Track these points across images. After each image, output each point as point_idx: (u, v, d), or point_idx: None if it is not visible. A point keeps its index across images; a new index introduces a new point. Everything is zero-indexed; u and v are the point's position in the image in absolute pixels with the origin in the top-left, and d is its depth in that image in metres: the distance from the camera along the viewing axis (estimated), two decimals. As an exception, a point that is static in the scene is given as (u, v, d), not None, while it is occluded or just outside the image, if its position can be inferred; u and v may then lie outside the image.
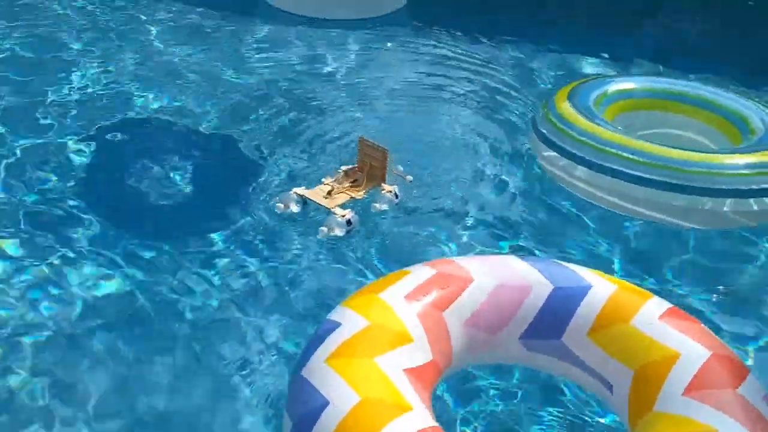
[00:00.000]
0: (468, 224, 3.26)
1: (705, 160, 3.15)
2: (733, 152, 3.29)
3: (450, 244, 3.10)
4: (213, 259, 2.93)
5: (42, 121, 3.89)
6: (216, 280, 2.82)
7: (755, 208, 3.14)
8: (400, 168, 3.37)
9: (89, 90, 4.27)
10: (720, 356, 1.85)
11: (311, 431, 1.63)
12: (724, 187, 3.10)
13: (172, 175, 3.52)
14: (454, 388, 2.33)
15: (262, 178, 3.51)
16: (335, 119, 4.13)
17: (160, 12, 5.48)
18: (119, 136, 3.84)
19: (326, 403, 1.64)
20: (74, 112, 4.01)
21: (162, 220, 3.21)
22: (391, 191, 3.22)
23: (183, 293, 2.74)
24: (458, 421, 2.25)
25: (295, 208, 3.17)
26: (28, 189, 3.29)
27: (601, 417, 2.27)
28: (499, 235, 3.21)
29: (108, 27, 5.16)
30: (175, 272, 2.83)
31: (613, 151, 3.23)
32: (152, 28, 5.20)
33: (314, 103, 4.31)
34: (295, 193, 3.19)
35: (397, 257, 2.96)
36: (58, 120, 3.90)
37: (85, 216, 3.13)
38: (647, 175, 3.15)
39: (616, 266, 3.03)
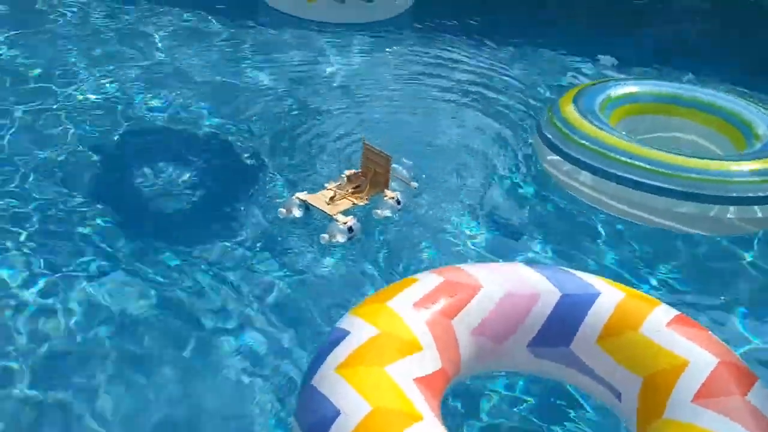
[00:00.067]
0: (473, 230, 3.29)
1: (710, 168, 3.18)
2: (738, 159, 3.31)
3: (454, 251, 3.13)
4: (215, 265, 2.97)
5: (49, 129, 3.93)
6: (218, 285, 2.85)
7: (759, 215, 3.18)
8: (405, 173, 3.40)
9: (93, 96, 4.29)
10: (728, 363, 1.89)
11: (322, 440, 1.66)
12: (729, 194, 3.13)
13: (174, 180, 3.55)
14: (460, 395, 2.37)
15: (265, 183, 3.55)
16: (338, 123, 4.17)
17: (161, 17, 5.53)
18: (121, 141, 3.87)
19: (337, 413, 1.66)
20: (80, 118, 4.05)
21: (164, 226, 3.23)
22: (393, 198, 3.24)
23: (184, 298, 2.77)
24: (464, 428, 2.28)
25: (297, 213, 3.19)
26: (39, 195, 3.32)
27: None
28: (505, 240, 3.26)
29: (109, 33, 5.20)
30: (175, 277, 2.87)
31: (617, 156, 3.26)
32: (154, 33, 5.24)
33: (317, 106, 4.35)
34: (298, 198, 3.21)
35: (400, 264, 3.00)
36: (65, 127, 3.94)
37: (86, 223, 3.16)
38: (651, 182, 3.19)
39: (623, 272, 3.06)
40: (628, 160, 3.23)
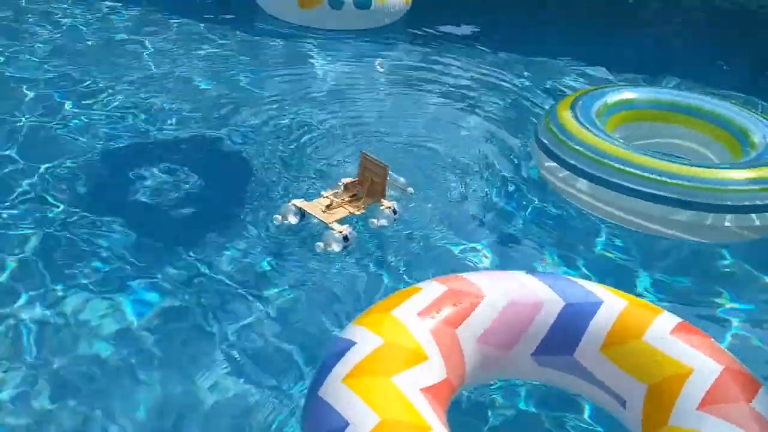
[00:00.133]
0: (472, 237, 3.32)
1: (705, 176, 3.21)
2: (733, 167, 3.34)
3: (453, 259, 3.16)
4: (209, 270, 2.98)
5: (57, 134, 3.96)
6: (214, 289, 2.87)
7: (757, 222, 3.23)
8: (402, 180, 3.43)
9: (97, 104, 4.33)
10: (732, 371, 1.94)
11: (330, 452, 1.68)
12: (724, 202, 3.17)
13: (170, 187, 3.57)
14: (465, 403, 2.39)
15: (261, 190, 3.57)
16: (335, 130, 4.20)
17: (156, 24, 5.56)
18: (116, 150, 3.89)
19: (346, 425, 1.68)
20: (85, 122, 4.09)
21: (160, 232, 3.24)
22: (390, 207, 3.25)
23: (182, 303, 2.79)
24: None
25: (293, 219, 3.21)
26: (45, 209, 3.33)
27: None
28: (504, 247, 3.28)
29: (105, 41, 5.24)
30: (173, 281, 2.89)
31: (613, 163, 3.30)
32: (149, 42, 5.27)
33: (314, 113, 4.39)
34: (294, 205, 3.23)
35: (398, 273, 3.02)
36: (71, 135, 3.97)
37: (87, 230, 3.18)
38: (647, 189, 3.22)
39: (623, 280, 3.10)
40: (624, 167, 3.27)
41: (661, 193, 3.20)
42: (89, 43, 5.20)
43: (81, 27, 5.50)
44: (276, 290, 2.89)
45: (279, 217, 3.20)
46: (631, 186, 3.25)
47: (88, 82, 4.56)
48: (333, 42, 5.45)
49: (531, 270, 2.90)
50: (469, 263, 3.12)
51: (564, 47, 5.41)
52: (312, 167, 3.78)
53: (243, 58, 5.16)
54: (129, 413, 2.30)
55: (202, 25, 5.61)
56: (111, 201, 3.44)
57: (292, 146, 3.98)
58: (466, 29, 5.75)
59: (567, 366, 2.11)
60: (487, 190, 3.70)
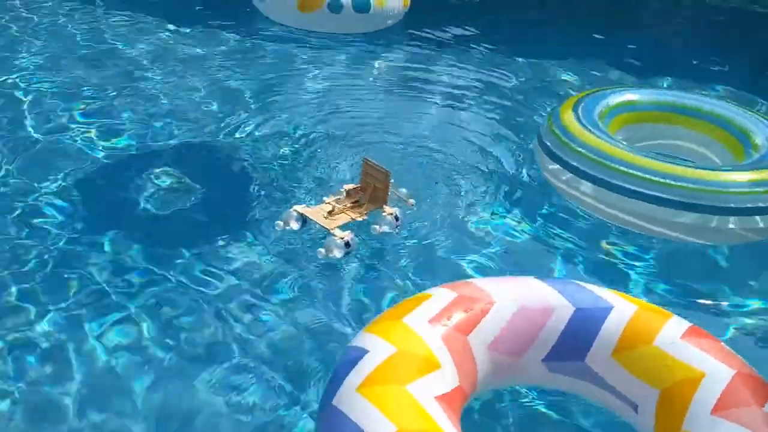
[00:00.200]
0: (477, 241, 3.35)
1: (709, 178, 3.24)
2: (736, 169, 3.37)
3: (461, 263, 3.18)
4: (210, 276, 3.00)
5: (75, 136, 3.99)
6: (213, 294, 2.89)
7: (761, 225, 3.26)
8: (404, 191, 3.43)
9: (92, 112, 4.34)
10: (744, 375, 1.96)
11: (348, 463, 1.69)
12: (727, 204, 3.20)
13: (169, 193, 3.59)
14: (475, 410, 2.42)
15: (263, 195, 3.58)
16: (335, 135, 4.22)
17: (153, 28, 5.58)
18: (114, 155, 3.90)
19: (362, 435, 1.69)
20: (82, 131, 4.09)
21: (159, 238, 3.25)
22: (392, 214, 3.26)
23: (179, 311, 2.80)
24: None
25: (294, 225, 3.21)
26: (46, 216, 3.34)
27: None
28: (508, 253, 3.30)
29: (104, 47, 5.26)
30: (169, 290, 2.90)
31: (617, 166, 3.32)
32: (146, 47, 5.28)
33: (315, 117, 4.41)
34: (296, 210, 3.24)
35: (402, 279, 3.04)
36: (67, 145, 3.97)
37: (86, 236, 3.19)
38: (650, 192, 3.25)
39: (633, 283, 3.14)
40: (628, 170, 3.30)
41: (665, 196, 3.23)
42: (84, 51, 5.21)
43: (75, 33, 5.51)
44: (279, 297, 2.90)
45: (281, 223, 3.21)
46: (634, 188, 3.28)
47: (83, 91, 4.57)
48: (332, 45, 5.48)
49: (539, 275, 2.93)
50: (476, 269, 3.14)
51: (564, 47, 5.45)
52: (313, 173, 3.80)
53: (241, 62, 5.18)
54: (136, 419, 2.32)
55: (200, 30, 5.64)
56: (111, 208, 3.46)
57: (292, 152, 4.00)
58: (465, 30, 5.78)
59: (578, 371, 2.14)
60: (490, 193, 3.73)
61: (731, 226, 3.24)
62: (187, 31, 5.58)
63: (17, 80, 4.65)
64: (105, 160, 3.83)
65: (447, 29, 5.81)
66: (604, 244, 3.38)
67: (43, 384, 2.44)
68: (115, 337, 2.65)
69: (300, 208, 3.26)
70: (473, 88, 4.88)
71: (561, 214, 3.56)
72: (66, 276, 2.93)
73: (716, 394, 1.89)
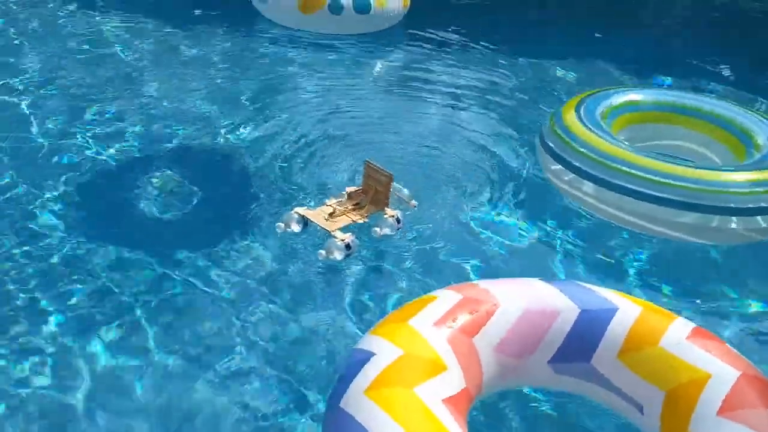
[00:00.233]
0: (480, 243, 3.36)
1: (711, 178, 3.25)
2: (738, 170, 3.38)
3: (463, 265, 3.19)
4: (211, 276, 3.01)
5: (76, 140, 3.99)
6: (213, 297, 2.90)
7: (763, 225, 3.27)
8: (406, 192, 3.43)
9: (100, 112, 4.35)
10: (749, 376, 1.98)
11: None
12: (728, 204, 3.21)
13: (171, 195, 3.59)
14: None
15: (264, 197, 3.59)
16: (337, 137, 4.23)
17: (150, 30, 5.58)
18: (112, 159, 3.90)
19: (371, 438, 1.70)
20: (89, 130, 4.10)
21: (160, 241, 3.26)
22: (393, 216, 3.26)
23: (181, 313, 2.81)
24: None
25: (296, 227, 3.22)
26: (46, 225, 3.32)
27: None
28: (515, 253, 3.31)
29: (104, 51, 5.25)
30: (170, 292, 2.91)
31: (619, 166, 3.33)
32: (146, 47, 5.28)
33: (316, 119, 4.42)
34: (297, 212, 3.24)
35: (404, 280, 3.05)
36: (66, 150, 3.97)
37: (87, 239, 3.19)
38: (652, 192, 3.26)
39: (634, 285, 3.15)
40: (630, 170, 3.31)
41: (667, 196, 3.24)
42: (83, 55, 5.21)
43: (74, 36, 5.50)
44: (279, 299, 2.91)
45: (282, 225, 3.22)
46: (636, 188, 3.29)
47: (83, 94, 4.57)
48: (333, 46, 5.49)
49: (541, 275, 2.94)
50: (478, 270, 3.15)
51: (564, 47, 5.46)
52: (314, 174, 3.81)
53: (242, 64, 5.20)
54: (142, 420, 2.34)
55: (200, 32, 5.65)
56: (111, 211, 3.46)
57: (293, 153, 4.01)
58: (465, 30, 5.79)
59: (584, 373, 2.15)
60: (492, 194, 3.74)
61: (733, 226, 3.25)
62: (188, 33, 5.59)
63: (16, 83, 4.65)
64: (106, 163, 3.83)
65: (447, 29, 5.82)
66: (605, 245, 3.39)
67: (50, 388, 2.45)
68: (119, 341, 2.65)
69: (301, 210, 3.26)
70: (473, 87, 4.89)
71: (563, 215, 3.57)
72: (70, 278, 2.94)
73: (722, 395, 1.90)
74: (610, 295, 2.24)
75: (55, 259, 3.05)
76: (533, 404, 2.44)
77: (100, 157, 3.87)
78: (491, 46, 5.52)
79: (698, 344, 2.07)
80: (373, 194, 3.34)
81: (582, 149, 3.46)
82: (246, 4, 6.05)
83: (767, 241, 3.36)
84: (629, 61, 5.26)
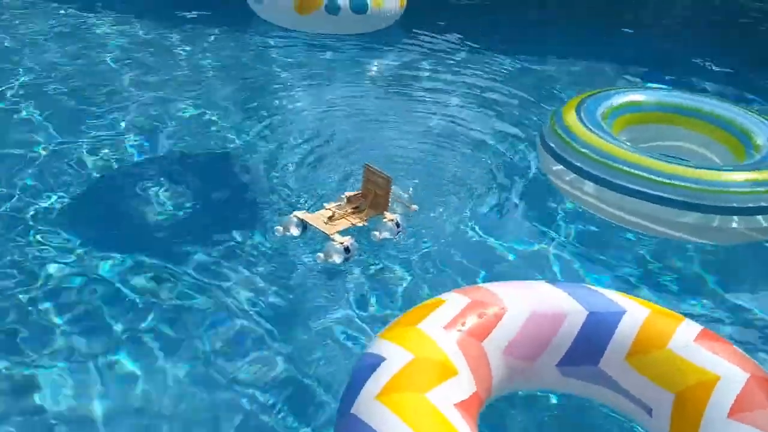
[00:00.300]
0: (477, 244, 3.37)
1: (712, 178, 3.27)
2: (738, 169, 3.40)
3: (462, 268, 3.19)
4: (210, 280, 3.01)
5: (74, 143, 3.98)
6: (214, 301, 2.90)
7: (764, 224, 3.29)
8: (405, 195, 3.44)
9: (99, 119, 4.34)
10: (758, 378, 1.99)
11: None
12: (730, 204, 3.23)
13: (171, 200, 3.59)
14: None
15: (264, 201, 3.60)
16: (335, 140, 4.23)
17: (147, 32, 5.56)
18: (111, 162, 3.90)
19: (384, 444, 1.70)
20: (88, 137, 4.09)
21: (161, 244, 3.26)
22: (393, 220, 3.27)
23: (182, 316, 2.82)
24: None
25: (295, 231, 3.22)
26: (47, 232, 3.31)
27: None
28: (517, 254, 3.33)
29: (97, 56, 5.24)
30: (170, 296, 2.91)
31: (620, 166, 3.35)
32: (140, 49, 5.27)
33: (313, 122, 4.41)
34: (296, 216, 3.24)
35: (401, 284, 3.05)
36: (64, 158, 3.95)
37: (88, 244, 3.19)
38: (653, 192, 3.28)
39: (636, 285, 3.16)
40: (631, 170, 3.32)
41: (668, 196, 3.26)
42: (77, 59, 5.20)
43: (69, 42, 5.47)
44: (279, 302, 2.91)
45: (280, 228, 3.22)
46: (638, 188, 3.30)
47: (81, 99, 4.56)
48: (329, 47, 5.49)
49: (543, 276, 2.96)
50: (480, 273, 3.16)
51: (564, 47, 5.47)
52: (312, 178, 3.81)
53: (238, 66, 5.20)
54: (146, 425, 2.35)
55: (196, 35, 5.64)
56: (112, 217, 3.46)
57: (290, 155, 4.01)
58: (463, 30, 5.80)
59: (592, 376, 2.16)
60: (493, 194, 3.76)
61: (734, 225, 3.28)
62: (183, 35, 5.59)
63: (13, 90, 4.63)
64: (106, 169, 3.82)
65: (446, 29, 5.83)
66: (607, 246, 3.40)
67: (57, 393, 2.45)
68: (122, 346, 2.66)
69: (300, 213, 3.27)
70: (473, 87, 4.90)
71: (564, 215, 3.59)
72: (74, 286, 2.94)
73: (732, 397, 1.91)
74: (616, 297, 2.25)
75: (60, 268, 3.05)
76: (540, 406, 2.45)
77: (98, 164, 3.85)
78: (490, 46, 5.53)
79: (706, 346, 2.08)
80: (372, 198, 3.34)
81: (583, 149, 3.47)
82: (241, 4, 6.01)
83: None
84: (629, 61, 5.28)
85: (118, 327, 2.73)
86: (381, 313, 2.87)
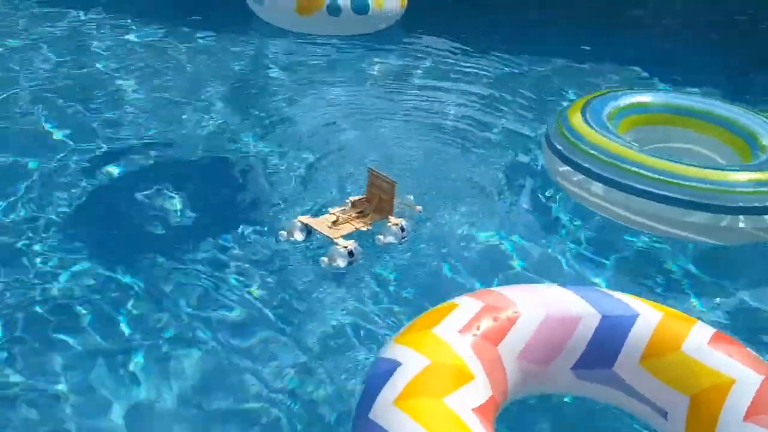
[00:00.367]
0: (483, 246, 3.36)
1: (718, 178, 3.29)
2: (744, 169, 3.42)
3: (468, 271, 3.18)
4: (213, 283, 3.01)
5: (71, 146, 3.98)
6: (215, 302, 2.90)
7: (771, 224, 3.32)
8: (410, 197, 3.44)
9: (101, 119, 4.33)
10: (773, 380, 2.00)
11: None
12: (737, 204, 3.24)
13: (175, 203, 3.58)
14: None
15: (267, 205, 3.59)
16: (336, 142, 4.22)
17: (145, 33, 5.54)
18: (116, 170, 3.88)
19: (404, 450, 1.71)
20: (87, 143, 4.07)
21: (162, 247, 3.25)
22: (397, 224, 3.26)
23: (181, 318, 2.81)
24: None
25: (299, 236, 3.22)
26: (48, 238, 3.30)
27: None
28: (518, 256, 3.32)
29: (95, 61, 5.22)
30: (173, 301, 2.91)
31: (627, 167, 3.36)
32: (141, 50, 5.25)
33: (315, 124, 4.41)
34: (300, 220, 3.24)
35: (403, 289, 3.04)
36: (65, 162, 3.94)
37: (89, 248, 3.18)
38: (660, 191, 3.29)
39: (641, 285, 3.17)
40: (637, 170, 3.34)
41: (675, 196, 3.28)
42: (74, 62, 5.17)
43: (64, 48, 5.43)
44: (282, 307, 2.90)
45: (284, 233, 3.22)
46: (645, 188, 3.32)
47: (80, 104, 4.53)
48: (330, 48, 5.48)
49: (552, 278, 2.96)
50: (488, 276, 3.15)
51: (564, 47, 5.49)
52: (314, 182, 3.79)
53: (239, 68, 5.17)
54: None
55: (195, 36, 5.61)
56: (112, 221, 3.45)
57: (293, 160, 3.99)
58: (464, 30, 5.80)
59: (606, 379, 2.17)
60: (497, 195, 3.76)
61: (741, 225, 3.29)
62: (181, 37, 5.56)
63: (11, 98, 4.60)
64: (107, 174, 3.80)
65: (446, 29, 5.84)
66: (618, 247, 3.41)
67: (65, 398, 2.45)
68: (125, 350, 2.65)
69: (304, 218, 3.26)
70: (474, 87, 4.90)
71: (570, 216, 3.60)
72: (78, 291, 2.94)
73: (748, 400, 1.93)
74: (629, 300, 2.27)
75: (63, 274, 3.03)
76: (555, 409, 2.45)
77: (99, 169, 3.83)
78: (490, 46, 5.54)
79: (720, 349, 2.10)
80: (377, 202, 3.34)
81: (591, 150, 3.48)
82: (241, 5, 6.02)
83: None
84: (629, 61, 5.30)
85: (124, 331, 2.73)
86: (386, 318, 2.87)
